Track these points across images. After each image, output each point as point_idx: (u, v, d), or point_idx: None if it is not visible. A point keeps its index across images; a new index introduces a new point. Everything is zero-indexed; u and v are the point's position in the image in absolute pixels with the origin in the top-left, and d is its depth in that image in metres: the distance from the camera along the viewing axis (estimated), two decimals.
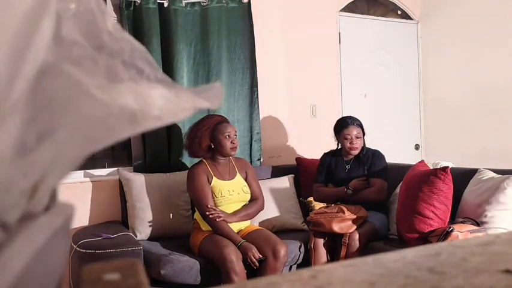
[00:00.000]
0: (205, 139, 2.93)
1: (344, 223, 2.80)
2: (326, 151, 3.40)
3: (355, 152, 3.17)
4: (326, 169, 3.29)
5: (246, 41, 3.68)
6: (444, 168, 2.58)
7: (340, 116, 4.26)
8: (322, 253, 2.88)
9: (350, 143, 3.13)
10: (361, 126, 3.20)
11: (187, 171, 3.04)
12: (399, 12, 4.66)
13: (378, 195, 3.06)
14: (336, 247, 2.89)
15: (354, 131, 3.14)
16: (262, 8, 3.83)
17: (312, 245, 2.89)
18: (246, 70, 3.69)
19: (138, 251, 2.59)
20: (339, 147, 3.27)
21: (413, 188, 2.66)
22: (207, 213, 2.79)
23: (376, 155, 3.20)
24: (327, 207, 2.98)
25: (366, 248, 2.82)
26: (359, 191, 3.08)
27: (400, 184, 2.96)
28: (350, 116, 3.29)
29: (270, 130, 3.86)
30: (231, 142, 2.93)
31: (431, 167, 3.01)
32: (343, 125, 3.18)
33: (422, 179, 2.63)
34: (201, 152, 2.96)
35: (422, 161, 2.99)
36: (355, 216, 2.83)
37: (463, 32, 4.26)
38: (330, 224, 2.79)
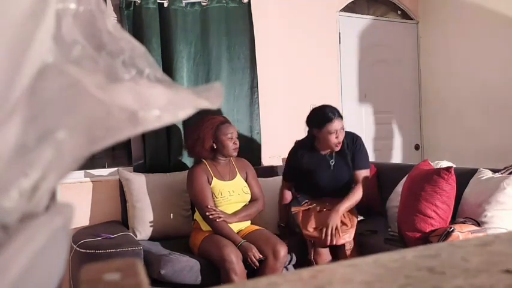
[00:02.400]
0: (208, 140, 2.93)
1: (347, 233, 2.75)
2: (298, 142, 3.11)
3: (339, 147, 2.88)
4: (297, 167, 3.02)
5: (246, 41, 3.68)
6: (448, 168, 2.58)
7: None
8: (325, 253, 2.83)
9: (336, 138, 2.83)
10: (342, 117, 2.90)
11: (187, 171, 3.04)
12: (399, 12, 4.66)
13: (363, 190, 2.87)
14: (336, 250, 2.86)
15: (340, 125, 2.84)
16: (262, 8, 3.83)
17: (312, 257, 2.77)
18: (246, 70, 3.69)
19: (138, 251, 2.59)
20: (313, 139, 2.98)
21: (416, 187, 2.66)
22: (207, 213, 2.79)
23: (356, 141, 2.94)
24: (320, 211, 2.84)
25: (364, 246, 2.81)
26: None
27: (402, 183, 2.97)
28: (329, 106, 2.92)
29: (270, 130, 3.86)
30: (233, 143, 2.94)
31: None
32: (326, 119, 2.82)
33: (426, 178, 2.63)
34: (204, 153, 2.95)
35: (426, 160, 2.97)
36: (354, 229, 2.78)
37: (463, 32, 4.26)
38: (335, 240, 2.69)
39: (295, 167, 3.04)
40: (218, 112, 3.36)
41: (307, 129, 3.01)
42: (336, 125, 2.82)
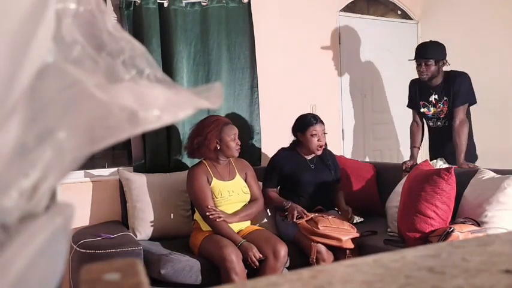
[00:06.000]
0: (213, 141, 2.93)
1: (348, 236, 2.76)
2: (282, 149, 3.27)
3: (320, 151, 3.10)
4: (280, 170, 3.16)
5: (246, 41, 3.68)
6: (448, 169, 2.58)
7: (339, 116, 4.28)
8: (328, 257, 2.79)
9: (318, 140, 3.06)
10: (323, 123, 3.15)
11: (187, 171, 3.04)
12: (399, 12, 4.66)
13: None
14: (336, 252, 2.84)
15: (321, 128, 3.10)
16: (262, 8, 3.83)
17: (315, 258, 2.72)
18: (246, 70, 3.69)
19: (138, 251, 2.59)
20: (296, 144, 3.19)
21: (416, 187, 2.66)
22: (207, 213, 2.79)
23: (333, 156, 3.29)
24: (322, 216, 2.85)
25: (364, 247, 2.81)
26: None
27: (401, 183, 2.97)
28: (311, 113, 3.26)
29: (270, 130, 3.86)
30: (236, 144, 2.95)
31: None
32: (308, 123, 3.10)
33: (426, 178, 2.63)
34: (208, 153, 2.95)
35: (426, 161, 2.98)
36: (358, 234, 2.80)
37: (463, 32, 4.26)
38: (342, 239, 2.72)
39: (278, 170, 3.17)
40: (218, 112, 3.36)
41: (292, 138, 3.25)
42: (318, 127, 3.09)
